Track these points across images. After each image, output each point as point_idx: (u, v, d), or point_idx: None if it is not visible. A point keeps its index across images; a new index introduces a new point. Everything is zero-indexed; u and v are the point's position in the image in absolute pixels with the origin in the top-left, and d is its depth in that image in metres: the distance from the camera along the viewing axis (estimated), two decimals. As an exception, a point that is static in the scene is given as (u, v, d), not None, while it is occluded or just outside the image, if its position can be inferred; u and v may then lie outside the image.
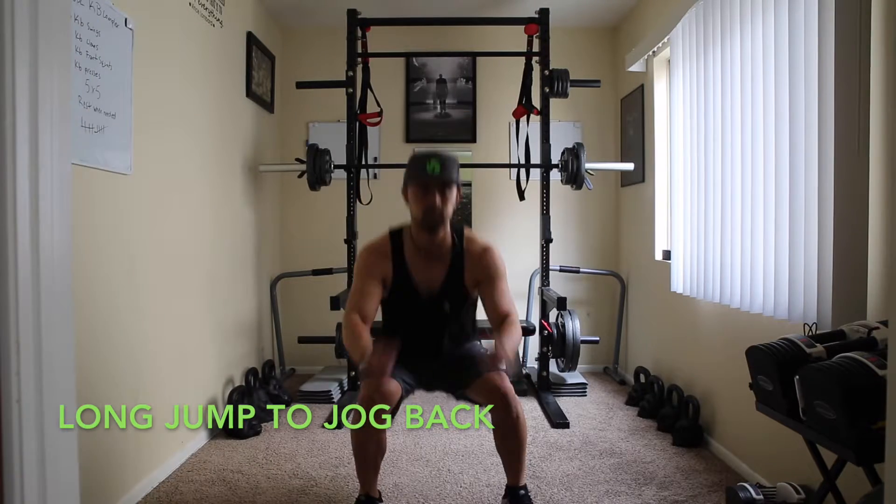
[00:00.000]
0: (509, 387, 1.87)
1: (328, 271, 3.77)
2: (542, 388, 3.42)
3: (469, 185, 4.11)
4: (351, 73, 3.39)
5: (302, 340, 3.61)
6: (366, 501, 1.93)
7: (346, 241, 3.44)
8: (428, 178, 1.88)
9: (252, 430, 2.77)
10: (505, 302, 1.99)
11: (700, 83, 2.64)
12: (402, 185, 1.98)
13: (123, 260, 2.07)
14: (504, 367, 1.84)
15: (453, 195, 1.94)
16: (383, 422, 1.82)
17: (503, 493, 1.99)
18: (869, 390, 1.21)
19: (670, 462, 2.45)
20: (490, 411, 1.88)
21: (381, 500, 2.01)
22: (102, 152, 1.93)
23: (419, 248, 2.01)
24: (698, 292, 2.66)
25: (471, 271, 2.01)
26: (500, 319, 1.97)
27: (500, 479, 2.28)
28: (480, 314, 2.11)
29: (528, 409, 3.19)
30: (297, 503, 2.10)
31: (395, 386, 1.85)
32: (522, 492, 1.94)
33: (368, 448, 1.86)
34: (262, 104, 3.65)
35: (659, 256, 3.39)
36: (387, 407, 1.80)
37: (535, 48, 3.44)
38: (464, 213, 4.10)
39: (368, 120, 3.44)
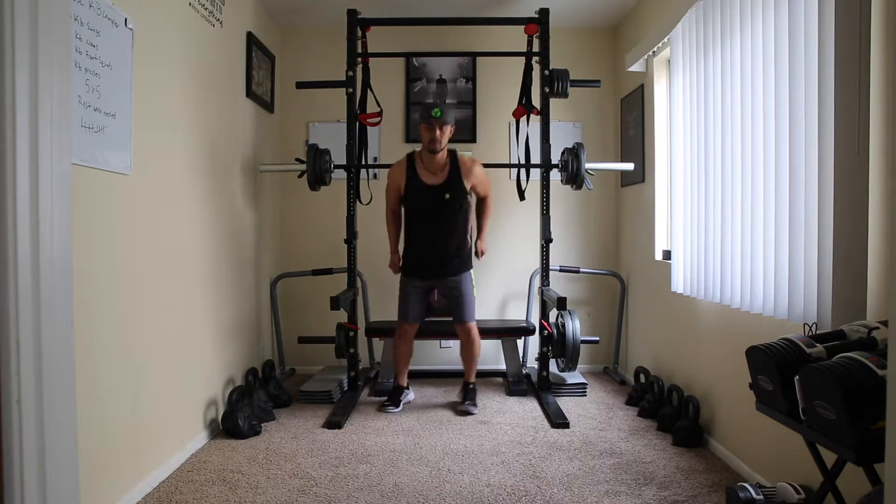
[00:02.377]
0: (472, 327, 3.21)
1: (328, 271, 3.77)
2: (542, 388, 3.42)
3: (469, 185, 4.12)
4: (351, 73, 3.39)
5: (302, 340, 3.61)
6: (397, 388, 3.27)
7: (346, 241, 3.44)
8: (432, 121, 2.96)
9: (252, 430, 2.78)
10: (485, 190, 3.23)
11: (700, 83, 2.64)
12: (418, 124, 3.06)
13: (123, 260, 2.07)
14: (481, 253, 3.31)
15: (448, 130, 3.02)
16: (410, 337, 3.26)
17: (461, 385, 3.40)
18: (869, 390, 1.21)
19: (670, 462, 2.45)
20: (460, 341, 3.32)
21: (409, 388, 3.36)
22: (102, 152, 1.93)
23: (426, 163, 3.11)
24: (698, 292, 2.66)
25: (465, 174, 3.11)
26: (480, 199, 3.28)
27: (500, 479, 2.29)
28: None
29: (529, 410, 3.19)
30: (297, 503, 2.10)
31: (416, 326, 3.24)
32: (472, 385, 3.31)
33: (402, 353, 3.26)
34: (262, 104, 3.65)
35: (659, 256, 3.39)
36: (411, 332, 3.25)
37: (535, 48, 3.44)
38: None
39: (368, 120, 3.44)
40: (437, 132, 2.97)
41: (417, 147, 4.06)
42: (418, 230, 3.15)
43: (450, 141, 3.07)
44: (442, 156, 3.07)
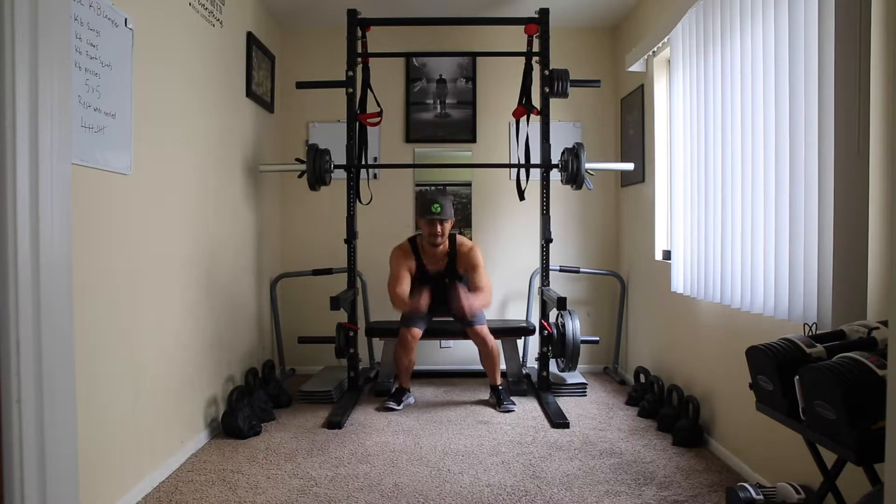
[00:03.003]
0: (484, 330, 3.25)
1: (328, 271, 3.77)
2: (542, 388, 3.42)
3: (469, 185, 4.12)
4: (351, 73, 3.39)
5: (302, 340, 3.61)
6: (399, 389, 3.32)
7: (346, 241, 3.44)
8: (433, 216, 3.11)
9: (252, 430, 2.78)
10: (481, 281, 3.22)
11: (700, 83, 2.64)
12: (415, 216, 3.33)
13: (123, 260, 2.07)
14: (474, 317, 3.21)
15: (448, 224, 3.19)
16: (412, 347, 3.25)
17: (489, 390, 3.39)
18: (869, 390, 1.21)
19: (670, 462, 2.45)
20: (477, 348, 3.32)
21: (411, 392, 3.38)
22: (102, 152, 1.93)
23: (428, 253, 3.28)
24: (698, 292, 2.66)
25: (461, 263, 3.28)
26: (474, 289, 3.22)
27: (500, 479, 2.29)
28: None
29: (529, 410, 3.19)
30: (297, 503, 2.10)
31: (418, 331, 3.25)
32: (500, 386, 3.32)
33: (404, 360, 3.26)
34: (262, 104, 3.65)
35: (659, 256, 3.39)
36: (415, 337, 3.25)
37: (535, 48, 3.44)
38: (464, 213, 4.10)
39: (368, 120, 3.44)
40: (439, 227, 3.12)
41: (417, 147, 4.10)
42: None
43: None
44: (443, 248, 3.24)
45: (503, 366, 3.76)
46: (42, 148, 1.24)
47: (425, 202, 3.13)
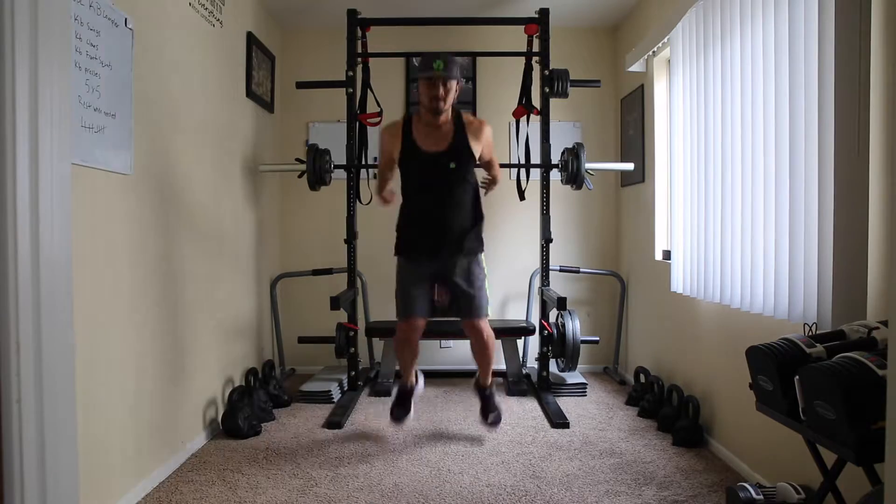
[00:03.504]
0: (484, 323, 2.63)
1: (328, 271, 3.77)
2: (542, 388, 3.42)
3: (469, 185, 4.11)
4: (351, 73, 3.39)
5: (302, 340, 3.61)
6: (403, 391, 2.78)
7: (346, 241, 3.44)
8: (433, 73, 2.39)
9: (252, 430, 2.77)
10: (495, 163, 2.77)
11: (700, 83, 2.64)
12: (417, 79, 2.51)
13: (123, 260, 2.07)
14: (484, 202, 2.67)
15: (454, 86, 2.45)
16: (414, 341, 2.67)
17: (474, 387, 2.84)
18: (869, 390, 1.21)
19: (670, 462, 2.45)
20: (470, 338, 2.71)
21: (417, 380, 2.84)
22: (102, 152, 1.92)
23: (425, 126, 2.53)
24: (698, 292, 2.66)
25: (473, 136, 2.54)
26: (487, 165, 2.76)
27: (500, 479, 2.29)
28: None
29: (529, 410, 3.19)
30: (297, 503, 2.10)
31: (421, 322, 2.63)
32: (488, 392, 2.76)
33: (406, 353, 2.71)
34: (262, 104, 3.65)
35: (659, 256, 3.39)
36: (416, 331, 2.64)
37: (535, 48, 3.44)
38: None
39: (368, 120, 3.44)
40: (441, 89, 2.41)
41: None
42: (418, 205, 2.59)
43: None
44: (445, 118, 2.51)
45: (503, 366, 3.76)
46: (42, 148, 1.24)
47: (425, 59, 2.42)
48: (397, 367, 3.03)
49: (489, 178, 2.82)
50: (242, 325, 3.32)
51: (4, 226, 1.17)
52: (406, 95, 4.11)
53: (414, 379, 2.80)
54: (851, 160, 1.68)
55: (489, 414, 2.72)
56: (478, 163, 2.63)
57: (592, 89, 3.97)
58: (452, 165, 2.51)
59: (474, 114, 4.10)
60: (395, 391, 2.84)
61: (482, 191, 2.73)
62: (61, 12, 1.29)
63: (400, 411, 2.74)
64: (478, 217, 2.62)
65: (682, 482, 2.25)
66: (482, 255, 2.65)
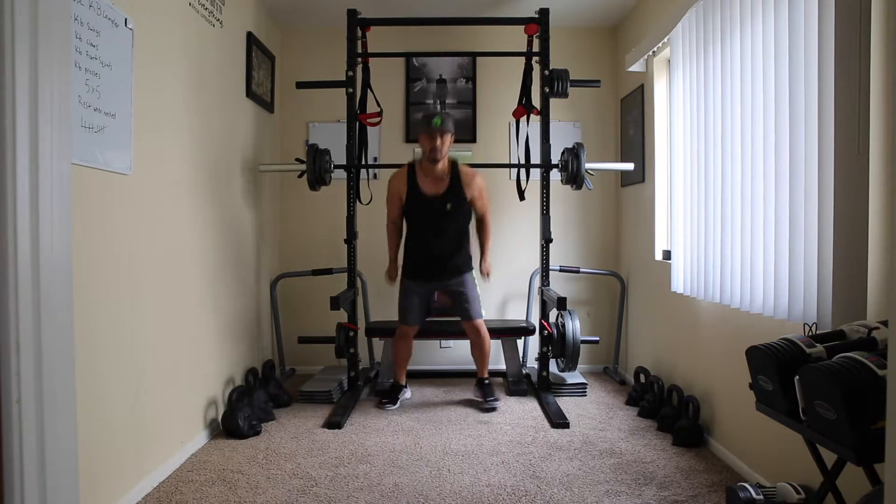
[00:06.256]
0: (479, 323, 3.21)
1: (328, 271, 3.77)
2: (542, 388, 3.42)
3: (469, 185, 4.12)
4: (351, 73, 3.39)
5: (302, 340, 3.61)
6: (395, 386, 3.31)
7: (346, 241, 3.44)
8: (432, 129, 2.97)
9: (252, 430, 2.78)
10: (483, 205, 3.21)
11: (700, 83, 2.64)
12: (418, 133, 3.09)
13: (123, 260, 2.07)
14: (487, 276, 3.31)
15: (449, 139, 3.03)
16: (409, 342, 3.29)
17: (475, 382, 3.36)
18: (869, 390, 1.21)
19: (670, 462, 2.45)
20: (469, 337, 3.29)
21: (407, 387, 3.39)
22: (102, 152, 1.92)
23: (426, 172, 3.11)
24: (698, 292, 2.66)
25: (466, 184, 3.12)
26: (479, 218, 3.25)
27: (500, 479, 2.29)
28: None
29: (529, 410, 3.19)
30: (297, 503, 2.10)
31: (416, 329, 3.26)
32: (487, 381, 3.30)
33: (401, 355, 3.27)
34: (262, 104, 3.65)
35: (659, 256, 3.39)
36: (410, 334, 3.28)
37: (535, 48, 3.44)
38: (464, 213, 4.10)
39: (368, 120, 3.44)
40: (438, 141, 2.97)
41: (417, 147, 4.09)
42: (419, 237, 3.18)
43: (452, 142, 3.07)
44: (443, 165, 3.07)
45: (503, 366, 3.76)
46: (42, 148, 1.24)
47: (425, 116, 3.02)
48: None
49: (486, 269, 3.32)
50: (242, 325, 3.32)
51: (4, 225, 1.17)
52: (406, 95, 4.11)
53: (404, 382, 3.35)
54: (851, 160, 1.68)
55: (488, 399, 3.20)
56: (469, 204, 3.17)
57: (592, 89, 3.97)
58: (449, 206, 3.07)
59: (474, 114, 4.11)
60: (388, 384, 3.44)
61: (483, 278, 3.32)
62: (61, 12, 1.29)
63: (387, 402, 3.22)
64: (466, 245, 3.23)
65: (682, 482, 2.25)
66: (472, 272, 3.25)
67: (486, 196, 3.22)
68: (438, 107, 3.02)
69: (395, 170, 3.30)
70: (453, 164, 3.12)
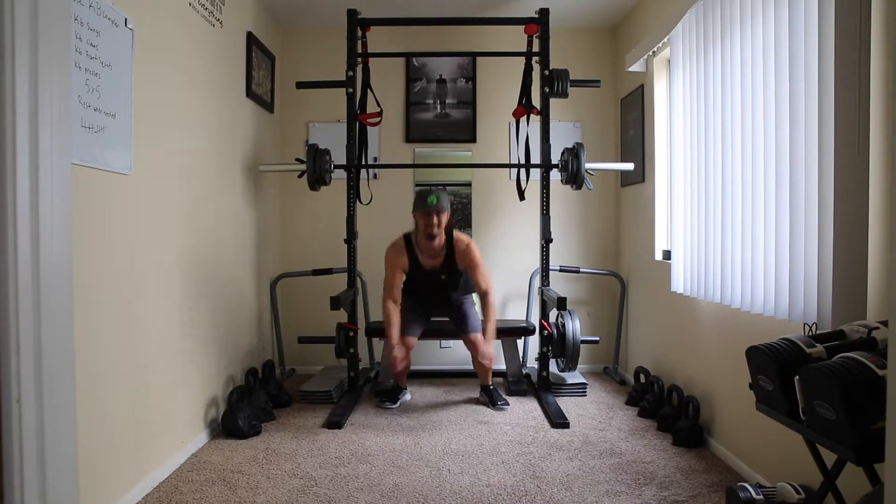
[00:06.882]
0: (477, 337, 3.21)
1: (328, 271, 3.77)
2: (542, 388, 3.42)
3: (469, 185, 4.12)
4: (351, 73, 3.39)
5: (302, 340, 3.61)
6: (396, 387, 3.36)
7: (346, 241, 3.44)
8: (429, 208, 3.03)
9: (252, 430, 2.78)
10: (483, 281, 3.19)
11: (700, 83, 2.64)
12: (412, 209, 3.13)
13: (123, 260, 2.07)
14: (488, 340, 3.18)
15: (444, 216, 3.08)
16: (405, 358, 3.19)
17: (479, 389, 3.46)
18: (869, 390, 1.21)
19: (670, 462, 2.45)
20: (471, 354, 3.30)
21: (407, 389, 3.43)
22: (102, 152, 1.93)
23: (423, 248, 3.17)
24: (698, 292, 2.66)
25: (459, 259, 3.19)
26: (481, 295, 3.21)
27: (500, 479, 2.29)
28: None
29: (528, 410, 3.19)
30: (297, 503, 2.10)
31: (414, 340, 3.27)
32: (491, 386, 3.35)
33: (398, 366, 3.15)
34: (262, 104, 3.65)
35: (659, 256, 3.39)
36: (409, 346, 3.25)
37: (535, 48, 3.44)
38: (464, 213, 4.10)
39: (368, 120, 3.44)
40: (434, 219, 3.03)
41: (417, 147, 4.10)
42: (418, 293, 3.30)
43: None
44: (439, 241, 3.13)
45: (503, 366, 3.76)
46: (42, 148, 1.24)
47: (421, 196, 3.10)
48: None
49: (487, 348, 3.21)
50: (242, 325, 3.32)
51: (4, 225, 1.17)
52: (406, 95, 4.12)
53: (405, 384, 3.40)
54: (852, 159, 1.68)
55: (497, 402, 3.26)
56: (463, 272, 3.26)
57: (592, 89, 3.97)
58: (444, 277, 3.23)
59: (474, 114, 4.10)
60: (389, 384, 3.51)
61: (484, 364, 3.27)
62: (61, 12, 1.29)
63: (386, 401, 3.28)
64: (468, 297, 3.38)
65: (682, 482, 2.26)
66: (471, 296, 3.38)
67: (483, 267, 3.18)
68: (434, 192, 3.02)
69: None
70: (448, 238, 3.17)
